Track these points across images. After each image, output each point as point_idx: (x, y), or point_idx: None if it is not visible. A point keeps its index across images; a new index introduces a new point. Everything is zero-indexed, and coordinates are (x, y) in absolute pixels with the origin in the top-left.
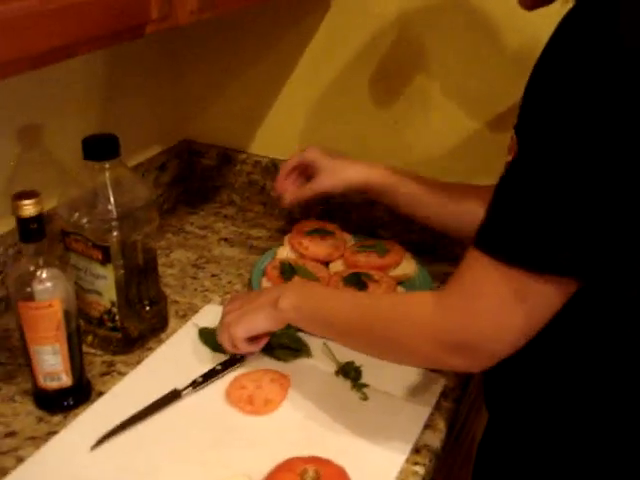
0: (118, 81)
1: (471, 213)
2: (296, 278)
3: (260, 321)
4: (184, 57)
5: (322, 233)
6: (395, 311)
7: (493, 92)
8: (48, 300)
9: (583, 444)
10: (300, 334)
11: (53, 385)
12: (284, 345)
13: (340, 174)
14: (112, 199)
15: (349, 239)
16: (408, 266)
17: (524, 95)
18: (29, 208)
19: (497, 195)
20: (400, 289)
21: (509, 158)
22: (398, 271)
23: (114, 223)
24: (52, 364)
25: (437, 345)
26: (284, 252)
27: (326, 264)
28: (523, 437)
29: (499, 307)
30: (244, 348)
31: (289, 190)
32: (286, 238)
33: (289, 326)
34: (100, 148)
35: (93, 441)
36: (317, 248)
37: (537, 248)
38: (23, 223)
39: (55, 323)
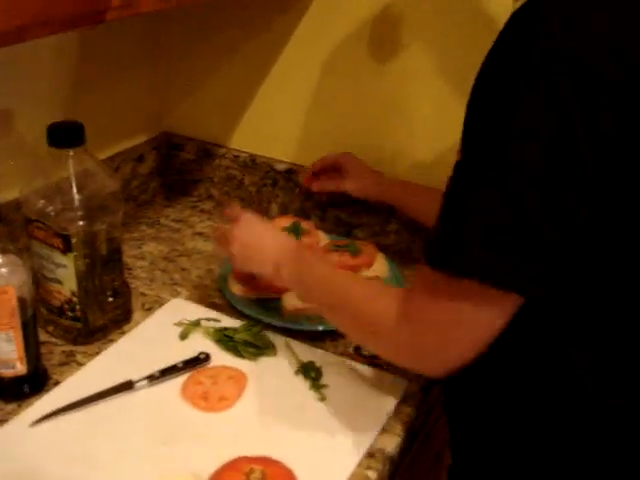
0: (98, 69)
1: None
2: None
3: (259, 272)
4: (166, 47)
5: (297, 230)
6: (364, 306)
7: None
8: (2, 286)
9: (542, 446)
10: (265, 332)
11: (7, 373)
12: (248, 342)
13: (361, 182)
14: (75, 188)
15: (323, 237)
16: (380, 267)
17: (469, 100)
18: None
19: (442, 204)
20: None
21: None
22: (370, 272)
23: (77, 212)
24: (6, 352)
25: (393, 350)
26: None
27: None
28: (483, 440)
29: (442, 322)
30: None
31: (319, 179)
32: None
33: (254, 324)
34: (65, 135)
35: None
36: None
37: (476, 261)
38: None
39: (9, 310)
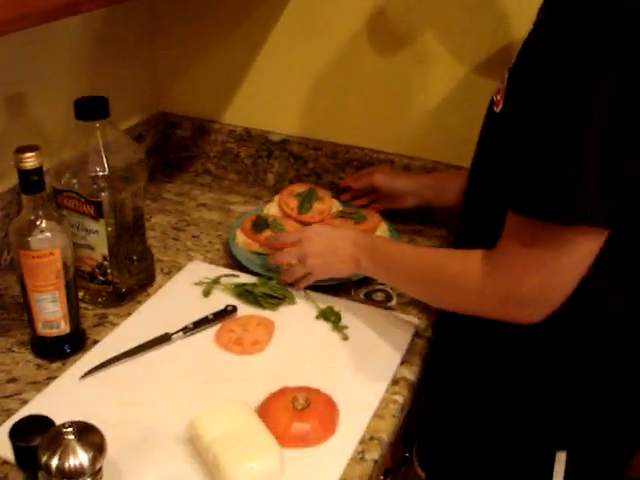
0: (95, 52)
1: None
2: (268, 232)
3: (341, 273)
4: (159, 29)
5: (311, 196)
6: (451, 269)
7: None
8: (48, 249)
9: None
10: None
11: (52, 332)
12: (268, 294)
13: (398, 202)
14: (104, 157)
15: (336, 205)
16: (382, 235)
17: (524, 65)
18: (31, 160)
19: (524, 157)
20: None
21: (498, 107)
22: None
23: (107, 180)
24: (52, 312)
25: (488, 299)
26: (271, 209)
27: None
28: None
29: (543, 262)
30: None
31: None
32: (276, 197)
33: (271, 277)
34: (92, 109)
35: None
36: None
37: (571, 203)
38: (24, 175)
39: (55, 272)
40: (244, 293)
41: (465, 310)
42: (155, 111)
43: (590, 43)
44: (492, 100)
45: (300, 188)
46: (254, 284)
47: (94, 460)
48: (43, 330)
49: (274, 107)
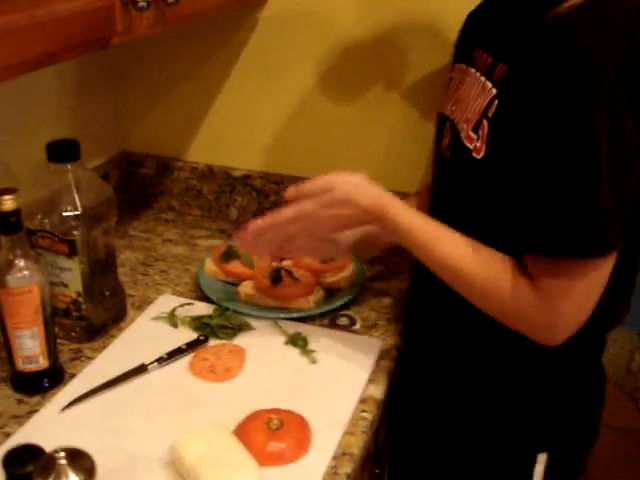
0: (60, 96)
1: None
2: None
3: (362, 203)
4: (121, 73)
5: None
6: (497, 284)
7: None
8: (27, 286)
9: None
10: (239, 314)
11: (31, 368)
12: (223, 325)
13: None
14: (76, 197)
15: None
16: (344, 277)
17: (516, 114)
18: (9, 203)
19: (539, 201)
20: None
21: (479, 154)
22: (333, 277)
23: (78, 220)
24: (30, 347)
25: (526, 325)
26: None
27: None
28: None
29: (577, 290)
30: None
31: None
32: None
33: (226, 309)
34: (64, 151)
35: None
36: None
37: (598, 236)
38: (3, 216)
39: (33, 308)
40: (201, 326)
41: (492, 315)
42: (118, 150)
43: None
44: (455, 146)
45: None
46: (210, 316)
47: None
48: (22, 366)
49: (235, 144)
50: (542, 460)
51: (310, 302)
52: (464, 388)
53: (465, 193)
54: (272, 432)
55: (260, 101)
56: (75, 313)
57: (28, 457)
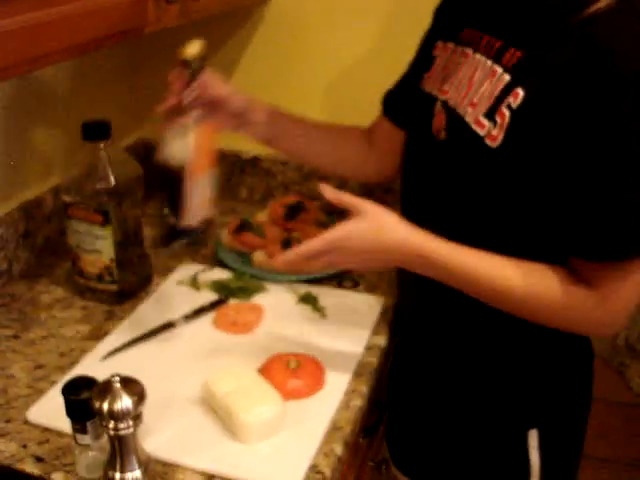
0: (85, 89)
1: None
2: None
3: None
4: (137, 67)
5: (299, 208)
6: (554, 300)
7: None
8: None
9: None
10: (254, 278)
11: None
12: (242, 288)
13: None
14: (109, 172)
15: (321, 216)
16: None
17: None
18: None
19: (592, 205)
20: None
21: (495, 142)
22: None
23: (111, 193)
24: None
25: (587, 328)
26: (262, 216)
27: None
28: (432, 346)
29: (633, 289)
30: None
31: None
32: (269, 205)
33: (242, 274)
34: (97, 131)
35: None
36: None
37: None
38: None
39: None
40: (221, 288)
41: (550, 326)
42: (136, 138)
43: None
44: (456, 129)
45: (291, 199)
46: (229, 279)
47: (137, 404)
48: None
49: None
50: (534, 436)
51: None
52: (454, 369)
53: (472, 181)
54: (291, 371)
55: (269, 88)
56: (108, 278)
57: (84, 386)
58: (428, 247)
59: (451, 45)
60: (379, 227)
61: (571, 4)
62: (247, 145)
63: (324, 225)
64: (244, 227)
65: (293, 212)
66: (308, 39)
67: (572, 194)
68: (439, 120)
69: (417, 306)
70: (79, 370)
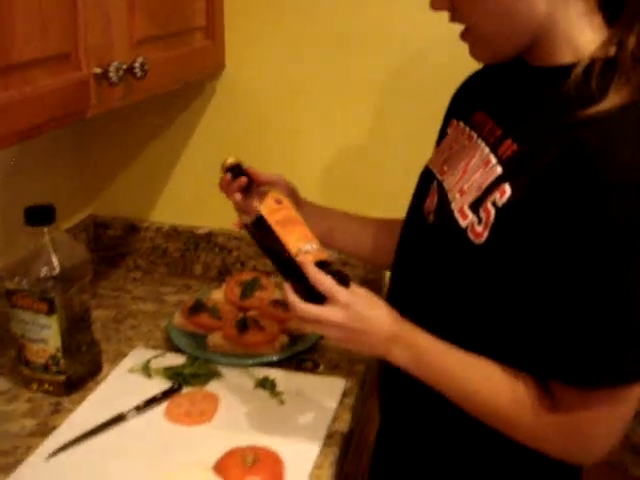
0: (31, 163)
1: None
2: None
3: (362, 350)
4: (88, 141)
5: (254, 284)
6: (521, 412)
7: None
8: None
9: (473, 447)
10: (209, 363)
11: None
12: (196, 374)
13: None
14: (53, 258)
15: (278, 293)
16: None
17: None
18: None
19: (571, 325)
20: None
21: (480, 238)
22: (295, 324)
23: (56, 279)
24: None
25: (554, 449)
26: (217, 294)
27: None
28: (415, 438)
29: (608, 415)
30: None
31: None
32: (224, 284)
33: (196, 358)
34: (41, 215)
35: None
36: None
37: (636, 363)
38: None
39: None
40: (174, 375)
41: (517, 440)
42: (86, 215)
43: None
44: (442, 215)
45: (246, 276)
46: (182, 365)
47: None
48: None
49: (198, 204)
50: None
51: (276, 348)
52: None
53: (453, 274)
54: (248, 467)
55: (218, 162)
56: (54, 368)
57: None
58: (416, 329)
59: (462, 125)
60: (372, 302)
61: (572, 105)
62: (201, 220)
63: (282, 304)
64: (198, 308)
65: (249, 290)
66: (262, 110)
67: (553, 307)
68: (431, 201)
69: (401, 401)
70: (24, 470)
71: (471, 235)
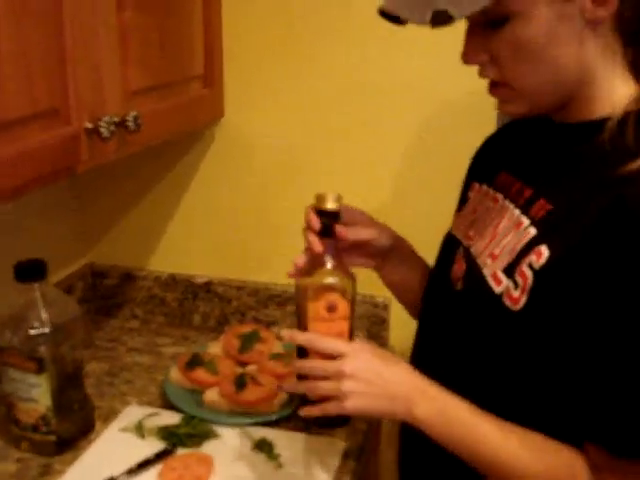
0: (27, 214)
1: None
2: (201, 370)
3: (381, 413)
4: (85, 190)
5: (254, 337)
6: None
7: None
8: None
9: None
10: (206, 422)
11: None
12: (192, 434)
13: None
14: (43, 314)
15: (278, 347)
16: None
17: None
18: None
19: (619, 393)
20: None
21: (517, 305)
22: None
23: (46, 337)
24: None
25: None
26: (214, 347)
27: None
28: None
29: None
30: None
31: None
32: (222, 336)
33: (192, 417)
34: (31, 271)
35: None
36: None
37: None
38: None
39: None
40: (168, 435)
41: None
42: (83, 263)
43: None
44: (473, 281)
45: (245, 328)
46: (177, 425)
47: None
48: None
49: (196, 252)
50: None
51: (275, 406)
52: None
53: (486, 341)
54: None
55: (217, 210)
56: (44, 428)
57: None
58: (438, 388)
59: (485, 187)
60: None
61: (609, 160)
62: (199, 269)
63: (282, 358)
64: (195, 362)
65: (248, 343)
66: (262, 159)
67: (596, 372)
68: (459, 268)
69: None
70: None
71: (507, 301)
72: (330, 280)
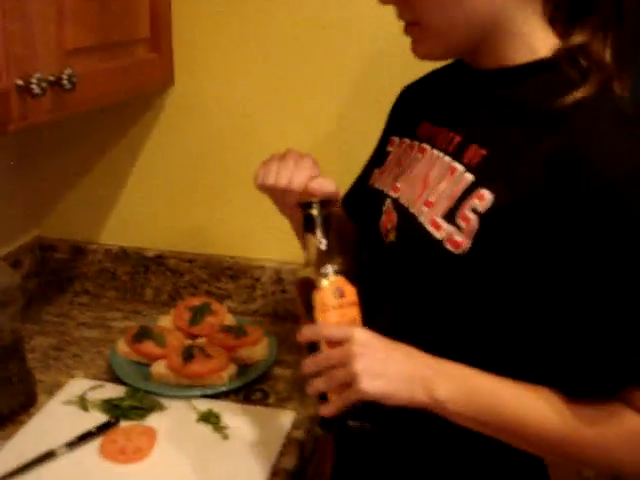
0: None
1: None
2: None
3: (398, 397)
4: (32, 161)
5: (205, 309)
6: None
7: None
8: None
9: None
10: (152, 394)
11: None
12: (136, 407)
13: None
14: None
15: (229, 319)
16: (261, 350)
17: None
18: None
19: (592, 328)
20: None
21: (459, 248)
22: (247, 352)
23: None
24: None
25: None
26: (165, 321)
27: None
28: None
29: None
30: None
31: None
32: (173, 309)
33: (137, 390)
34: None
35: None
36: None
37: None
38: None
39: None
40: (112, 408)
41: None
42: (31, 237)
43: None
44: (408, 230)
45: (197, 301)
46: (121, 397)
47: None
48: None
49: (147, 225)
50: None
51: (223, 378)
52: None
53: (430, 288)
54: None
55: (169, 181)
56: None
57: None
58: (452, 363)
59: (407, 140)
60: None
61: (539, 97)
62: (151, 242)
63: (232, 330)
64: (143, 335)
65: (199, 315)
66: (214, 125)
67: (553, 314)
68: (388, 219)
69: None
70: None
71: (449, 245)
72: (333, 267)
